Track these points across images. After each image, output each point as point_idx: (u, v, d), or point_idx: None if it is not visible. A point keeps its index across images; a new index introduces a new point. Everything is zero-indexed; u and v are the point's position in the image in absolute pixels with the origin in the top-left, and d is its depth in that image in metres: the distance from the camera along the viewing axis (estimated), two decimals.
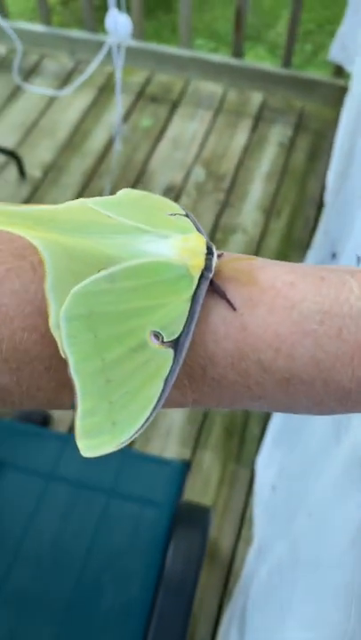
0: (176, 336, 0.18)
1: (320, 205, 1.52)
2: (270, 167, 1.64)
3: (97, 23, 1.73)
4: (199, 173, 1.64)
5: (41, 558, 0.76)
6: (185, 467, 0.85)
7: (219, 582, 1.06)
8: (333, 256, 0.83)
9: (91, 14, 1.73)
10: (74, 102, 1.76)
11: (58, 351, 0.18)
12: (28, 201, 1.56)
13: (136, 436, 0.18)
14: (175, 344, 0.18)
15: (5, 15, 1.81)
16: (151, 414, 0.18)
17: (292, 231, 1.53)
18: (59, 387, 0.20)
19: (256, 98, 1.76)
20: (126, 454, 0.87)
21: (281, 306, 0.19)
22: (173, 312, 0.18)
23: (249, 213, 1.56)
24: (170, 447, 1.20)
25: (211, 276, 0.19)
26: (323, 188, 1.50)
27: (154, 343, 0.18)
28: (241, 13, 1.61)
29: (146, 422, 0.18)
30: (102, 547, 0.78)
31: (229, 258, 0.20)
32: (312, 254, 1.30)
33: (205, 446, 1.21)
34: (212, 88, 1.79)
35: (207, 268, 0.19)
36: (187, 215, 0.21)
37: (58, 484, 0.82)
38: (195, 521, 0.75)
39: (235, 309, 0.19)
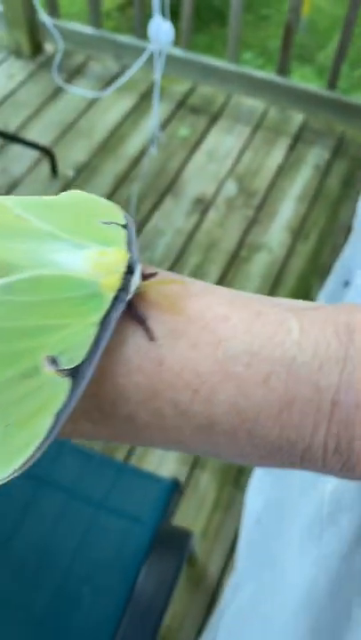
0: (76, 364, 0.15)
1: (350, 232, 1.48)
2: (303, 189, 1.60)
3: (146, 30, 1.73)
4: (231, 188, 1.62)
5: (25, 561, 0.75)
6: (174, 486, 0.82)
7: (201, 610, 1.02)
8: (346, 284, 0.80)
9: (141, 21, 1.73)
10: (114, 106, 1.76)
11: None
12: None
13: (14, 475, 0.15)
14: (74, 373, 0.16)
15: (57, 15, 1.83)
16: (35, 453, 0.15)
17: (319, 256, 1.49)
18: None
19: (297, 118, 1.73)
20: (121, 467, 0.85)
21: (206, 341, 0.16)
22: (76, 336, 0.16)
23: (276, 233, 1.52)
24: (167, 464, 1.17)
25: (127, 298, 0.16)
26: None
27: (48, 369, 0.15)
28: (290, 31, 1.59)
29: (28, 461, 0.15)
30: (85, 558, 0.76)
31: (161, 279, 0.17)
32: (329, 281, 1.26)
33: (204, 466, 1.17)
34: (254, 104, 1.76)
35: (124, 288, 0.16)
36: (125, 226, 0.19)
37: (49, 490, 0.81)
38: (173, 544, 0.72)
39: (153, 339, 0.16)
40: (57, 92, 1.79)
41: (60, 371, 0.15)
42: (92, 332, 0.16)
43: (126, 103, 1.77)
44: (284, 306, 0.17)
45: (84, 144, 1.69)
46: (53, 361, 0.15)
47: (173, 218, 1.55)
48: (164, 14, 1.16)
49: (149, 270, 0.18)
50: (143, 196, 1.55)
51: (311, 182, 1.62)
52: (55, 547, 0.76)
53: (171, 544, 0.74)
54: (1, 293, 0.15)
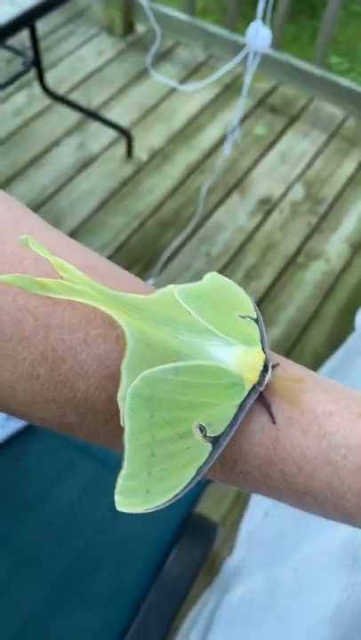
0: (218, 434, 0.21)
1: None
2: None
3: (238, 22, 1.75)
4: (298, 192, 1.64)
5: (50, 524, 0.79)
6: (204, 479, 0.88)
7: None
8: None
9: (234, 13, 1.74)
10: (196, 95, 1.79)
11: (118, 411, 0.22)
12: (128, 180, 1.62)
13: (163, 506, 0.21)
14: (215, 440, 0.21)
15: None
16: (180, 493, 0.21)
17: None
18: (114, 436, 0.24)
19: None
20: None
21: (315, 432, 0.21)
22: (221, 413, 0.21)
23: (336, 244, 1.55)
24: None
25: (261, 389, 0.22)
26: None
27: (198, 435, 0.21)
28: None
29: (174, 498, 0.21)
30: (111, 529, 0.81)
31: (283, 372, 0.23)
32: None
33: None
34: (334, 111, 1.77)
35: (260, 382, 0.22)
36: (256, 320, 0.24)
37: (85, 459, 0.85)
38: (201, 534, 0.79)
39: (274, 422, 0.22)
40: (142, 74, 1.83)
41: (206, 437, 0.21)
42: (232, 411, 0.21)
43: (208, 94, 1.80)
44: None
45: (161, 129, 1.73)
46: (202, 429, 0.21)
47: (237, 215, 1.59)
48: (265, 19, 1.18)
49: (274, 361, 0.23)
50: (210, 189, 1.58)
51: None
52: (82, 514, 0.80)
53: (199, 532, 0.80)
54: (172, 374, 0.21)
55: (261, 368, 0.22)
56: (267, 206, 1.60)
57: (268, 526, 0.85)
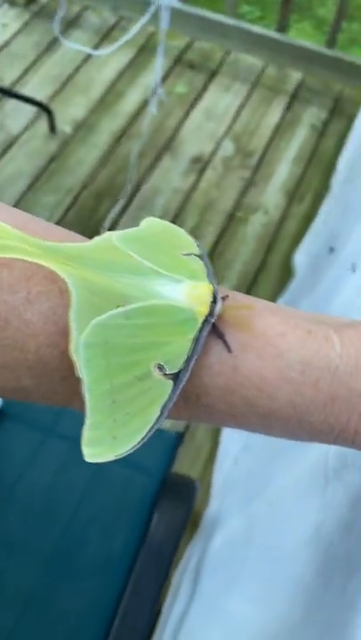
0: (177, 370, 0.21)
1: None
2: (299, 150, 1.63)
3: None
4: (228, 147, 1.63)
5: (30, 507, 0.80)
6: (178, 438, 0.90)
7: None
8: (331, 250, 0.85)
9: None
10: (111, 60, 1.74)
11: (74, 365, 0.21)
12: (55, 156, 1.57)
13: (132, 450, 0.21)
14: (175, 377, 0.21)
15: None
16: (147, 434, 0.21)
17: (313, 217, 1.53)
18: (72, 393, 0.23)
19: (295, 76, 1.74)
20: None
21: (269, 353, 0.22)
22: (177, 349, 0.21)
23: (272, 194, 1.56)
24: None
25: (213, 320, 0.22)
26: None
27: (157, 374, 0.21)
28: None
29: (142, 440, 0.21)
30: (91, 502, 0.82)
31: (233, 302, 0.23)
32: (309, 242, 1.30)
33: None
34: (252, 61, 1.76)
35: (211, 313, 0.22)
36: (200, 256, 0.24)
37: (54, 440, 0.86)
38: (181, 493, 0.80)
39: (230, 351, 0.22)
40: (53, 44, 1.77)
41: (166, 375, 0.21)
42: (188, 346, 0.21)
43: (123, 58, 1.75)
44: (330, 323, 0.22)
45: (81, 100, 1.68)
46: (161, 368, 0.21)
47: (171, 177, 1.57)
48: None
49: (223, 294, 0.23)
50: (140, 154, 1.56)
51: (307, 143, 1.64)
52: (60, 493, 0.81)
53: (178, 492, 0.81)
54: (122, 318, 0.21)
55: (211, 300, 0.22)
56: (199, 165, 1.59)
57: (239, 471, 0.87)
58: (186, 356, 0.21)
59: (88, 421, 0.21)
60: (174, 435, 0.89)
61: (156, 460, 0.86)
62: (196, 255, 0.24)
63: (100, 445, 0.21)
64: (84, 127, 1.64)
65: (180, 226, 0.25)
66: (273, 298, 1.38)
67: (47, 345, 0.22)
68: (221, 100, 1.70)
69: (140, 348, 0.21)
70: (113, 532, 0.80)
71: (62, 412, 0.89)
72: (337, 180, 1.36)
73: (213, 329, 0.22)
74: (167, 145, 1.62)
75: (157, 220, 0.26)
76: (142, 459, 0.85)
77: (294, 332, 0.22)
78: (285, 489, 0.47)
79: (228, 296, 0.23)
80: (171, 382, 0.21)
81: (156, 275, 0.22)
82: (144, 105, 1.66)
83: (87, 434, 0.21)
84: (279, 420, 0.22)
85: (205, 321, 0.21)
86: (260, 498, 0.59)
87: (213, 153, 1.62)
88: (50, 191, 1.52)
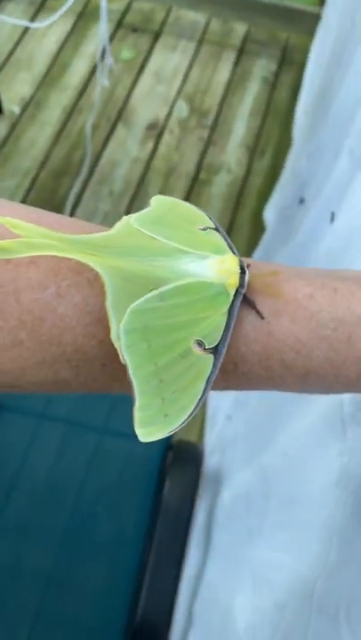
0: (216, 344, 0.22)
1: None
2: (254, 104, 1.62)
3: None
4: (182, 109, 1.61)
5: (36, 492, 0.80)
6: None
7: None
8: (301, 201, 0.85)
9: None
10: (50, 31, 1.68)
11: (113, 351, 0.22)
12: (6, 139, 1.53)
13: (184, 425, 0.22)
14: (215, 350, 0.22)
15: None
16: (196, 407, 0.22)
17: (277, 170, 1.53)
18: (111, 379, 0.24)
19: (240, 29, 1.71)
20: (117, 394, 0.91)
21: (301, 315, 0.22)
22: (213, 323, 0.22)
23: (233, 152, 1.55)
24: None
25: (243, 291, 0.22)
26: None
27: (197, 350, 0.22)
28: None
29: (192, 414, 0.22)
30: (95, 480, 0.82)
31: (257, 270, 0.23)
32: (278, 194, 1.31)
33: None
34: (195, 17, 1.72)
35: (241, 285, 0.22)
36: (216, 228, 0.24)
37: (51, 424, 0.86)
38: (187, 458, 0.82)
39: (263, 318, 0.23)
40: None
41: (206, 349, 0.22)
42: (223, 319, 0.22)
43: (62, 27, 1.69)
44: (351, 278, 0.23)
45: (25, 76, 1.63)
46: (200, 344, 0.22)
47: (128, 147, 1.55)
48: None
49: (247, 262, 0.24)
50: (94, 127, 1.53)
51: (261, 96, 1.63)
52: (63, 475, 0.82)
53: (184, 457, 0.83)
54: (157, 301, 0.21)
55: (239, 271, 0.22)
56: (155, 131, 1.57)
57: (236, 426, 0.89)
58: (222, 329, 0.22)
59: (138, 404, 0.22)
60: None
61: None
62: (211, 229, 0.24)
63: (152, 425, 0.22)
64: (31, 105, 1.59)
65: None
66: (248, 254, 1.39)
67: (84, 335, 0.22)
68: (169, 62, 1.67)
69: (178, 327, 0.22)
70: (121, 505, 0.81)
71: (53, 398, 0.88)
72: (298, 130, 1.36)
73: (244, 299, 0.22)
74: (120, 114, 1.59)
75: (165, 197, 0.26)
76: None
77: (322, 292, 0.23)
78: (299, 438, 0.49)
79: (250, 265, 0.24)
80: (211, 356, 0.22)
81: (183, 253, 0.22)
82: (92, 75, 1.62)
83: (138, 415, 0.22)
84: (316, 377, 0.23)
85: (237, 292, 0.22)
86: (271, 450, 0.60)
87: (168, 116, 1.59)
88: (7, 175, 1.48)
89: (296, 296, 0.23)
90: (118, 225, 0.23)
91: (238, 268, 0.22)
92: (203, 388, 0.22)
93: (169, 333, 0.22)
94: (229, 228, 1.44)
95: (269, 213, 1.36)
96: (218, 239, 0.24)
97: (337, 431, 0.40)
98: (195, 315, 0.22)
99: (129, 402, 0.25)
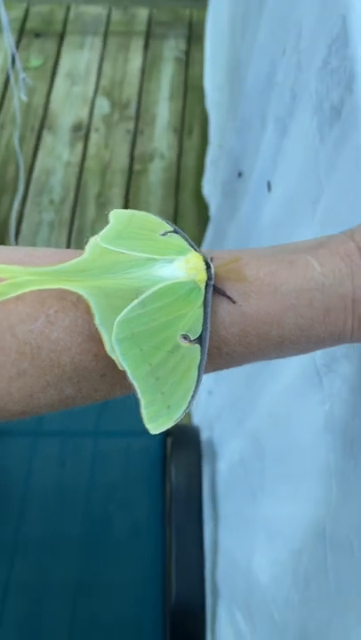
0: (199, 334, 0.24)
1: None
2: (171, 85, 1.63)
3: None
4: (103, 105, 1.61)
5: (47, 505, 0.82)
6: None
7: None
8: (240, 175, 0.88)
9: None
10: None
11: (108, 361, 0.24)
12: None
13: (187, 411, 0.25)
14: (199, 340, 0.24)
15: None
16: (194, 393, 0.25)
17: (206, 147, 1.56)
18: (112, 386, 0.26)
19: (142, 14, 1.71)
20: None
21: (266, 291, 0.25)
22: (193, 317, 0.24)
23: (161, 137, 1.57)
24: None
25: (212, 283, 0.25)
26: None
27: (184, 343, 0.24)
28: None
29: (191, 400, 0.25)
30: (101, 482, 0.84)
31: (220, 260, 0.26)
32: (210, 170, 1.33)
33: None
34: (96, 11, 1.71)
35: (209, 277, 0.25)
36: (175, 230, 0.27)
37: (46, 439, 0.87)
38: (188, 441, 0.85)
39: (234, 302, 0.25)
40: None
41: (192, 341, 0.24)
42: (200, 312, 0.24)
43: None
44: (304, 250, 0.26)
45: None
46: (186, 337, 0.24)
47: (58, 153, 1.55)
48: None
49: (210, 255, 0.26)
50: (21, 139, 1.52)
51: (177, 76, 1.64)
52: (69, 484, 0.83)
53: (185, 441, 0.86)
54: (139, 308, 0.24)
55: (205, 266, 0.25)
56: (81, 132, 1.57)
57: (219, 400, 0.92)
58: (202, 320, 0.24)
59: (143, 402, 0.24)
60: None
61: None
62: (171, 232, 0.27)
63: (159, 417, 0.24)
64: None
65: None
66: (198, 234, 1.41)
67: (79, 353, 0.25)
68: (80, 61, 1.66)
69: (162, 327, 0.24)
70: (131, 501, 0.83)
71: (43, 414, 0.89)
72: (213, 105, 1.38)
73: (215, 289, 0.25)
74: (43, 122, 1.58)
75: (122, 210, 0.28)
76: (134, 424, 0.88)
77: (280, 266, 0.26)
78: (280, 397, 0.52)
79: (212, 257, 0.26)
80: (197, 345, 0.24)
81: (153, 261, 0.25)
82: (5, 89, 1.60)
83: (145, 412, 0.24)
84: (290, 343, 0.26)
85: (207, 285, 0.25)
86: (254, 414, 0.63)
87: (91, 115, 1.59)
88: None
89: (258, 275, 0.25)
90: (88, 248, 0.25)
91: (203, 263, 0.25)
92: (196, 376, 0.25)
93: (156, 335, 0.24)
94: (175, 212, 1.47)
95: (208, 189, 1.39)
96: (179, 241, 0.26)
97: (314, 383, 0.43)
98: (175, 313, 0.24)
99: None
